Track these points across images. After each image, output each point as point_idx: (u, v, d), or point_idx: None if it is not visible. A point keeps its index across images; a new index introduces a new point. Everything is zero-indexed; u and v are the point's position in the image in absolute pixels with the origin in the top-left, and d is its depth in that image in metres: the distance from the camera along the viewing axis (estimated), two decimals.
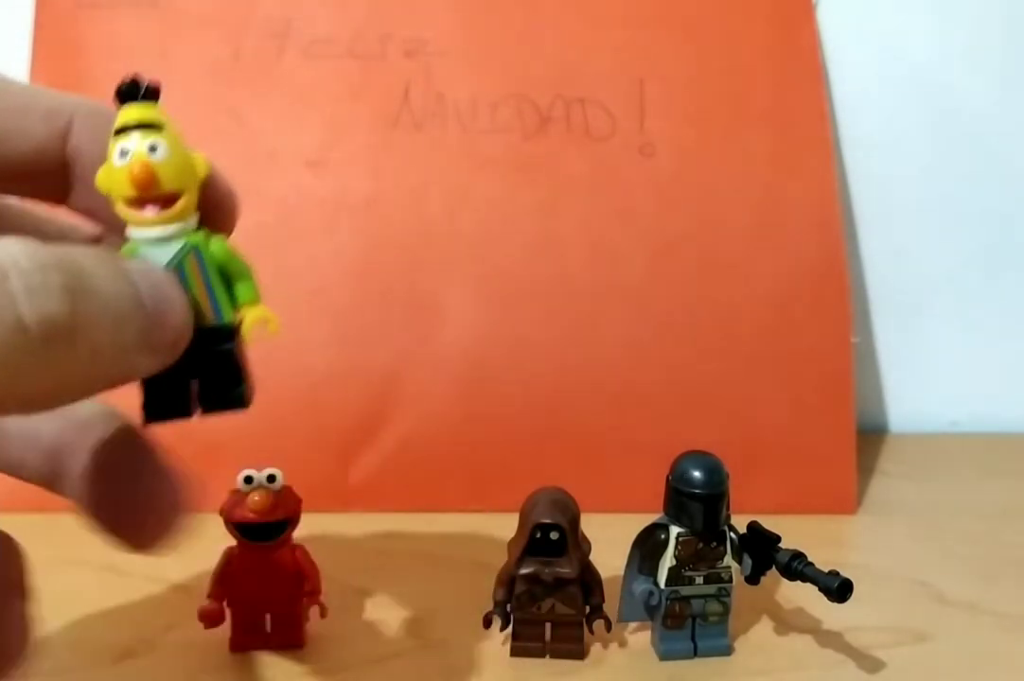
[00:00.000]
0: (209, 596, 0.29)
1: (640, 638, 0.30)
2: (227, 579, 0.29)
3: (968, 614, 0.33)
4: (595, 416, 0.42)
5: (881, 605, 0.33)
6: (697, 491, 0.28)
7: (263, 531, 0.28)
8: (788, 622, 0.32)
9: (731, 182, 0.44)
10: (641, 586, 0.29)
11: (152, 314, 0.17)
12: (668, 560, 0.29)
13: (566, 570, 0.28)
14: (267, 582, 0.29)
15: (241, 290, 0.19)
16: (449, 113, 0.45)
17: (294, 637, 0.30)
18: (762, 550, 0.29)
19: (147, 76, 0.19)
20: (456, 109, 0.45)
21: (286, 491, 0.28)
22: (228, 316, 0.19)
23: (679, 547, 0.28)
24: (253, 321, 0.19)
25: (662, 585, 0.29)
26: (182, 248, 0.19)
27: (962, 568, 0.36)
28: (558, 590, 0.28)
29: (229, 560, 0.29)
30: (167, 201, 0.18)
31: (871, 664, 0.29)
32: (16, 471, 0.23)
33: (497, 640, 0.30)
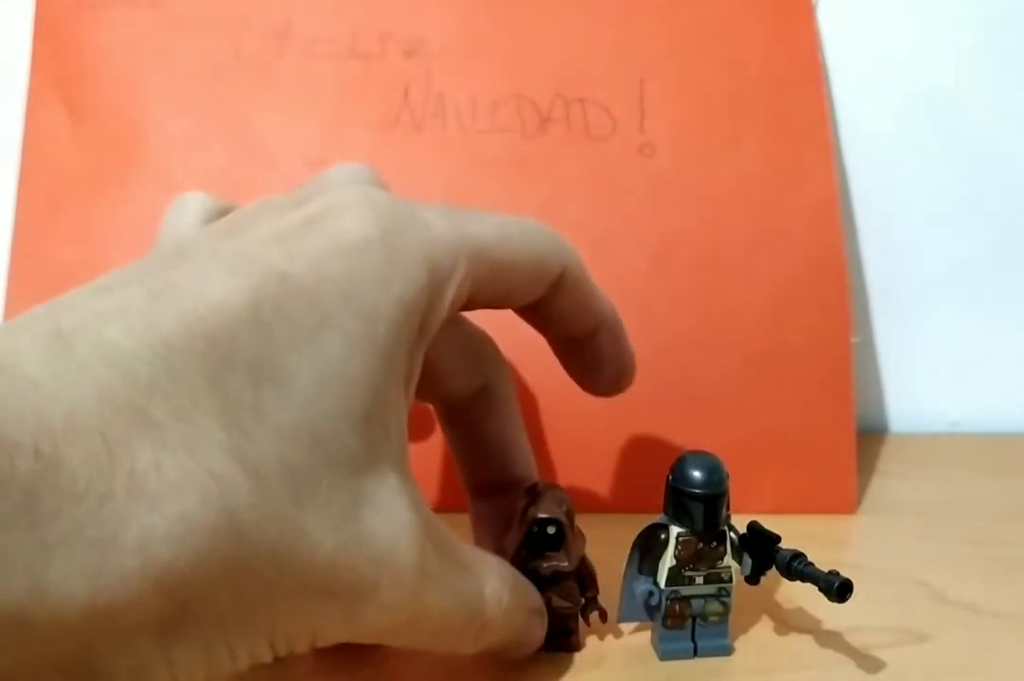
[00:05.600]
0: None
1: (640, 638, 0.30)
2: None
3: (968, 614, 0.33)
4: (594, 416, 0.42)
5: (881, 605, 0.33)
6: (697, 491, 0.28)
7: None
8: (788, 622, 0.32)
9: (731, 182, 0.44)
10: (641, 586, 0.29)
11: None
12: (668, 560, 0.28)
13: (564, 564, 0.28)
14: None
15: None
16: (449, 113, 0.45)
17: None
18: (762, 550, 0.29)
19: None
20: (456, 109, 0.45)
21: None
22: None
23: (679, 547, 0.28)
24: None
25: (662, 585, 0.29)
26: None
27: (962, 568, 0.36)
28: (555, 584, 0.28)
29: None
30: None
31: (871, 664, 0.29)
32: None
33: None
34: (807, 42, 0.46)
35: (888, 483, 0.45)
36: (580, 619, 0.30)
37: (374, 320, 0.19)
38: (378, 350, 0.19)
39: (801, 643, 0.30)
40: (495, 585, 0.24)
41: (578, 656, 0.30)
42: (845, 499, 0.42)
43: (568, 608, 0.29)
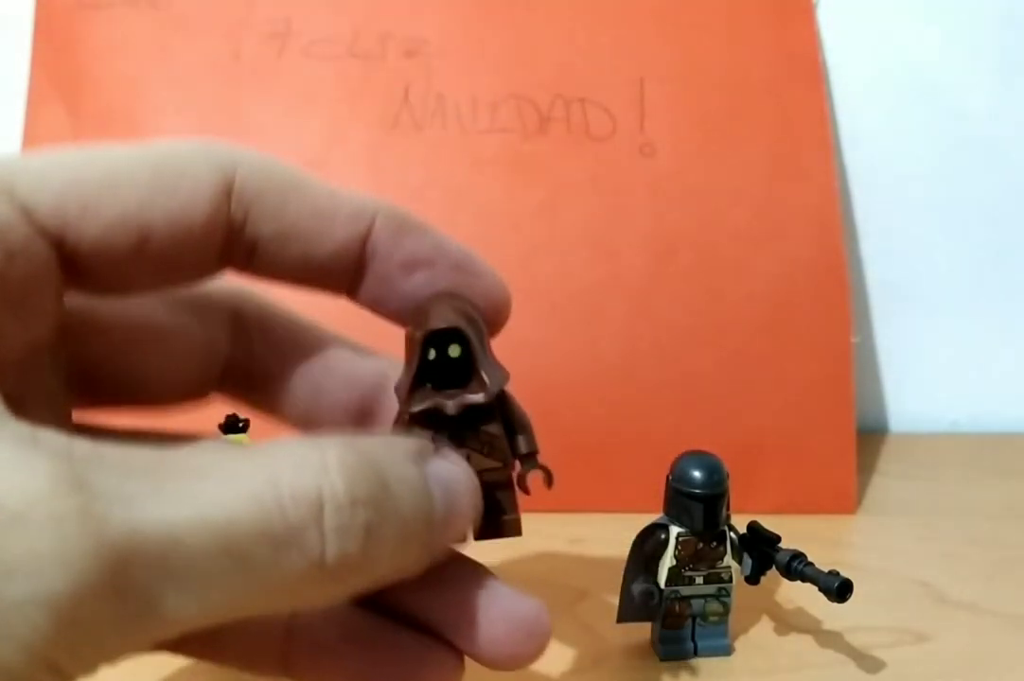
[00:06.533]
0: None
1: (640, 638, 0.30)
2: None
3: (968, 614, 0.33)
4: (594, 415, 0.42)
5: (881, 605, 0.33)
6: (697, 491, 0.28)
7: None
8: (788, 622, 0.32)
9: (731, 182, 0.44)
10: (641, 586, 0.29)
11: (439, 527, 0.17)
12: (668, 560, 0.28)
13: (478, 395, 0.19)
14: None
15: None
16: (449, 113, 0.45)
17: None
18: (762, 550, 0.29)
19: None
20: (456, 109, 0.45)
21: None
22: None
23: (679, 547, 0.28)
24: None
25: (662, 585, 0.29)
26: None
27: (962, 568, 0.36)
28: (472, 433, 0.19)
29: None
30: None
31: (871, 664, 0.29)
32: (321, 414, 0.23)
33: None
34: (807, 42, 0.46)
35: (888, 483, 0.45)
36: (516, 488, 0.20)
37: None
38: None
39: (801, 643, 0.30)
40: (300, 468, 0.16)
41: (578, 656, 0.29)
42: (845, 499, 0.42)
43: (497, 470, 0.20)
